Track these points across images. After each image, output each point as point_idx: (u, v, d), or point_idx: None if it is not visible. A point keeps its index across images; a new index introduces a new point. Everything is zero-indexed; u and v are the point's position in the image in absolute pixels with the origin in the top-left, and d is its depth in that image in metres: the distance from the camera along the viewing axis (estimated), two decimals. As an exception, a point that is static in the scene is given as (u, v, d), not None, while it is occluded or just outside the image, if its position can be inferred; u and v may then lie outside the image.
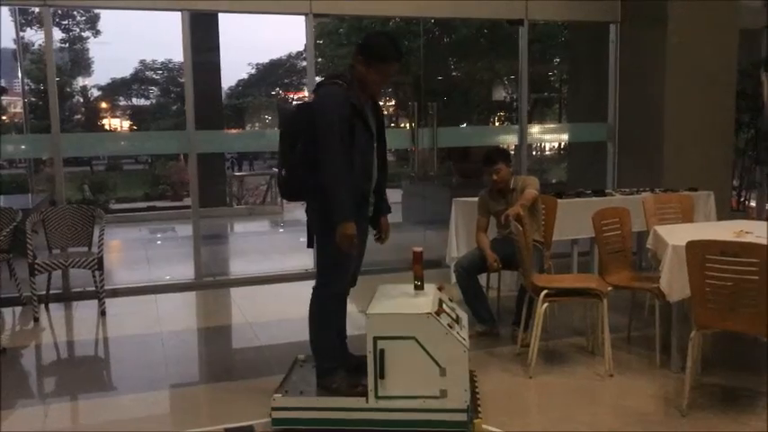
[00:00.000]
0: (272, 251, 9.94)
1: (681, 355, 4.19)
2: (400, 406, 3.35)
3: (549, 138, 10.32)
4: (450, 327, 3.35)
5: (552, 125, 15.57)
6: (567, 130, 8.34)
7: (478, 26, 19.78)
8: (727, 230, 4.37)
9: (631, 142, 7.70)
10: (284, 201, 15.58)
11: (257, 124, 29.00)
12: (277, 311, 6.01)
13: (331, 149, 3.39)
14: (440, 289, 3.80)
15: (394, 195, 14.19)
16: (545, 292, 4.34)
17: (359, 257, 3.85)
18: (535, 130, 8.37)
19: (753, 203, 8.47)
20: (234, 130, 22.60)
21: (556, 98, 24.73)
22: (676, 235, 4.29)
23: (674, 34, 7.01)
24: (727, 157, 7.47)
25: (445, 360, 3.29)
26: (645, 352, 4.60)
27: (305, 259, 8.27)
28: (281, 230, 13.41)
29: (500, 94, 24.91)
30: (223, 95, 21.20)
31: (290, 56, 33.12)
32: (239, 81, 32.27)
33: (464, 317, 3.76)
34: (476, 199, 6.43)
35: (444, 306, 3.54)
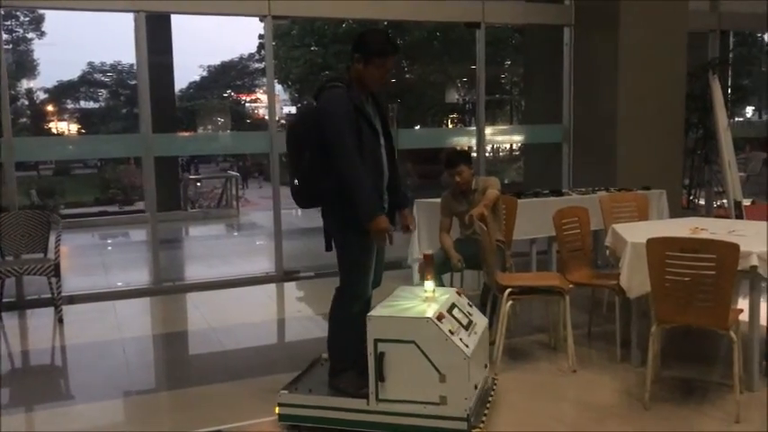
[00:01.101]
0: (231, 255, 9.85)
1: (641, 350, 4.31)
2: (400, 410, 3.33)
3: (505, 139, 10.47)
4: (452, 333, 3.29)
5: (509, 126, 15.86)
6: (523, 132, 8.49)
7: (432, 29, 19.94)
8: (682, 227, 4.51)
9: (586, 143, 7.88)
10: (240, 204, 15.52)
11: (210, 127, 28.67)
12: (240, 316, 5.97)
13: (345, 152, 3.39)
14: (459, 294, 3.79)
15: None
16: (509, 290, 4.41)
17: (381, 256, 3.85)
18: (492, 131, 8.48)
19: (702, 201, 8.73)
20: (186, 133, 22.33)
21: (507, 100, 25.11)
22: (634, 233, 4.40)
23: (625, 37, 7.19)
24: (677, 157, 7.70)
25: (445, 366, 3.24)
26: (606, 347, 4.70)
27: (264, 263, 8.24)
28: (237, 234, 13.29)
29: (453, 96, 25.17)
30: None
31: (242, 58, 32.93)
32: (191, 83, 31.91)
33: (481, 323, 3.72)
34: (438, 200, 6.49)
35: (455, 311, 3.51)
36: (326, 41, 22.62)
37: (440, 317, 3.30)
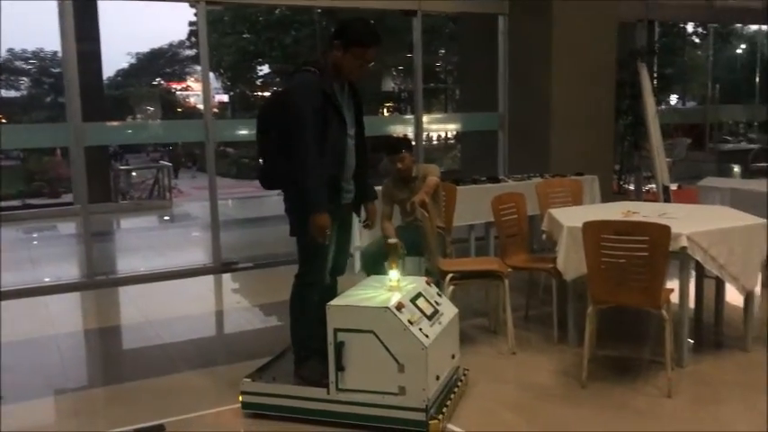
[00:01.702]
0: (166, 247, 9.64)
1: (577, 331, 4.44)
2: (359, 400, 3.32)
3: (442, 127, 10.56)
4: (412, 323, 3.26)
5: (446, 115, 15.97)
6: (459, 120, 8.58)
7: (365, 17, 19.90)
8: (615, 211, 4.65)
9: (521, 130, 8.02)
10: (173, 195, 15.19)
11: (140, 116, 27.88)
12: (178, 308, 5.86)
13: (302, 140, 3.35)
14: (428, 283, 3.78)
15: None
16: (450, 275, 4.47)
17: (344, 245, 3.84)
18: (430, 119, 8.55)
19: (631, 186, 9.01)
20: (116, 122, 21.64)
21: (442, 89, 25.31)
22: (569, 217, 4.52)
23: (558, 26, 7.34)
24: (608, 143, 7.93)
25: (404, 356, 3.22)
26: (543, 329, 4.82)
27: (199, 254, 8.10)
28: (171, 225, 13.01)
29: (389, 85, 25.21)
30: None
31: (171, 45, 32.11)
32: (119, 71, 30.94)
33: (449, 313, 3.69)
34: (378, 188, 6.52)
35: (420, 301, 3.50)
36: (259, 28, 22.31)
37: (399, 306, 3.27)
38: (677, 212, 4.55)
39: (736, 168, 13.15)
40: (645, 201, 7.45)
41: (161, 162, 17.78)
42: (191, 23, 25.66)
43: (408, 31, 7.84)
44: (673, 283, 4.16)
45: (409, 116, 8.39)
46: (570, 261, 4.25)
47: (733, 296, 4.84)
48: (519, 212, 4.98)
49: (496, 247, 6.46)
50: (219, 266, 7.07)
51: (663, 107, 10.49)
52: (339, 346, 3.29)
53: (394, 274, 3.64)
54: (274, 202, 15.70)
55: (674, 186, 8.12)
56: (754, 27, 17.61)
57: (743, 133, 17.91)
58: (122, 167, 17.13)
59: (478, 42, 8.95)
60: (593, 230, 3.74)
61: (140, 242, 10.55)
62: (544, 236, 4.99)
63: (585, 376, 3.87)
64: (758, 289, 4.43)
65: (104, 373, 4.55)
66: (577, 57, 7.49)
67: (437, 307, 3.61)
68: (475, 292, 5.44)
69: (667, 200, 7.50)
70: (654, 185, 8.14)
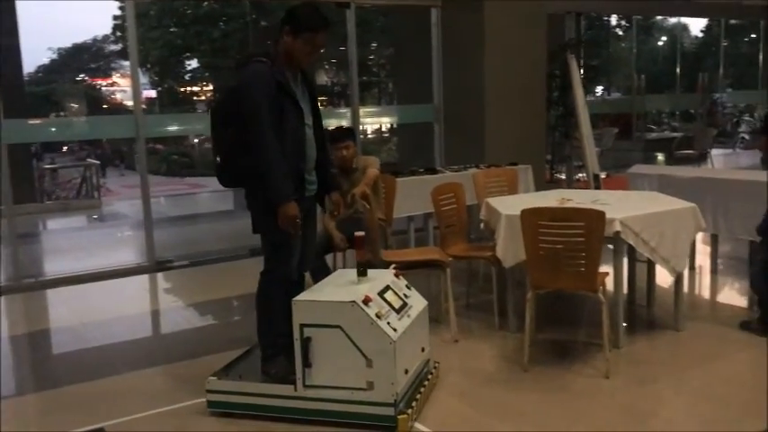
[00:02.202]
0: (98, 247, 9.33)
1: (517, 317, 4.53)
2: (327, 396, 3.27)
3: (378, 120, 10.57)
4: (379, 317, 3.20)
5: (382, 108, 16.00)
6: (395, 113, 8.62)
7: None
8: (550, 199, 4.76)
9: (456, 122, 8.11)
10: (101, 194, 14.75)
11: (63, 112, 26.90)
12: (113, 309, 5.70)
13: (260, 132, 3.27)
14: (396, 276, 3.72)
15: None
16: (393, 266, 4.47)
17: (310, 239, 3.76)
18: (366, 112, 8.54)
19: (563, 176, 9.23)
20: (38, 119, 20.80)
21: (375, 82, 25.34)
22: (507, 206, 4.60)
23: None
24: (540, 133, 8.10)
25: (371, 351, 3.17)
26: (484, 316, 4.90)
27: (133, 254, 7.90)
28: (102, 225, 12.62)
29: (321, 78, 25.08)
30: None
31: (95, 40, 31.09)
32: (39, 67, 29.80)
33: (418, 306, 3.64)
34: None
35: (388, 294, 3.44)
36: (187, 22, 21.83)
37: (366, 300, 3.22)
38: (609, 199, 4.69)
39: (660, 156, 13.64)
40: (576, 189, 7.64)
41: (88, 160, 17.23)
42: (115, 17, 24.95)
43: (341, 23, 7.81)
44: (607, 267, 4.28)
45: (344, 109, 8.37)
46: (509, 249, 4.32)
47: (662, 278, 5.04)
48: (458, 202, 5.04)
49: (436, 238, 6.54)
50: (154, 265, 6.91)
51: (591, 98, 10.76)
52: (306, 342, 3.23)
53: (362, 267, 3.56)
54: (205, 199, 15.40)
55: (603, 175, 8.36)
56: (672, 20, 18.29)
57: (666, 122, 18.61)
58: (47, 166, 16.49)
59: (412, 35, 8.99)
60: (531, 218, 3.82)
61: (70, 243, 10.19)
62: (482, 225, 5.06)
63: (527, 360, 3.95)
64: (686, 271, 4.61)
65: (33, 378, 4.38)
66: (509, 49, 7.61)
67: (406, 300, 3.56)
68: (416, 283, 5.46)
69: (598, 187, 7.72)
70: (584, 174, 8.37)
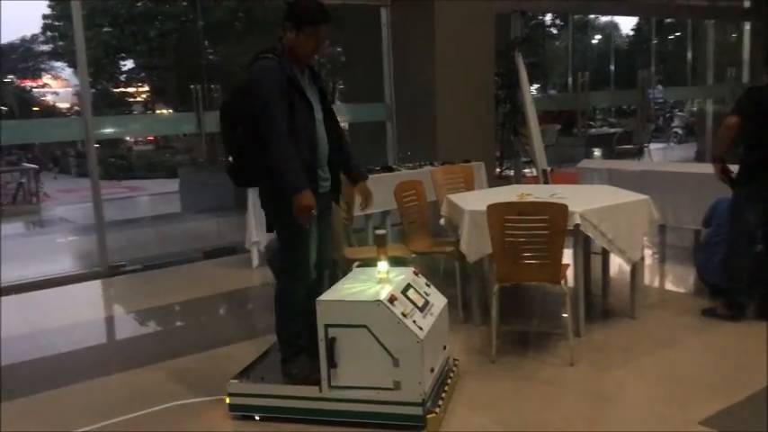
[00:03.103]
0: (44, 253, 9.07)
1: (480, 310, 4.64)
2: (353, 396, 3.23)
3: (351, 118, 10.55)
4: (406, 315, 3.18)
5: (333, 107, 15.88)
6: (346, 111, 8.63)
7: (233, 9, 19.54)
8: (510, 194, 4.87)
9: (408, 120, 8.19)
10: (39, 200, 14.29)
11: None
12: (65, 316, 5.55)
13: (272, 125, 3.24)
14: (416, 274, 3.69)
15: (171, 185, 13.64)
16: (357, 263, 4.52)
17: (328, 237, 3.72)
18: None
19: (511, 172, 9.42)
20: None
21: (324, 81, 25.25)
22: (468, 202, 4.70)
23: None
24: (490, 131, 8.26)
25: (398, 350, 3.13)
26: (448, 311, 4.97)
27: (84, 259, 7.71)
28: (44, 230, 12.25)
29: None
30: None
31: (23, 40, 30.00)
32: (-41, 67, 28.56)
33: (439, 303, 3.61)
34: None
35: (410, 292, 3.42)
36: (122, 22, 21.32)
37: (392, 299, 3.19)
38: (566, 193, 4.84)
39: (597, 152, 14.04)
40: (527, 184, 7.82)
41: (24, 164, 16.66)
42: (44, 17, 24.13)
43: (278, 23, 7.77)
44: (566, 259, 4.41)
45: None
46: (472, 243, 4.41)
47: (614, 269, 5.23)
48: (419, 199, 5.12)
49: (395, 235, 6.61)
50: (107, 270, 6.76)
51: (536, 95, 11.02)
52: (331, 342, 3.20)
53: (383, 266, 3.50)
54: (147, 202, 14.94)
55: (549, 170, 8.56)
56: (605, 19, 18.83)
57: (603, 118, 19.17)
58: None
59: (362, 34, 9.03)
60: (497, 212, 3.92)
61: (13, 250, 9.85)
62: (442, 221, 5.14)
63: (495, 352, 4.05)
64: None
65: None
66: (459, 47, 7.74)
67: (427, 298, 3.54)
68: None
69: (547, 182, 7.91)
70: (531, 170, 8.57)
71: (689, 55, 14.87)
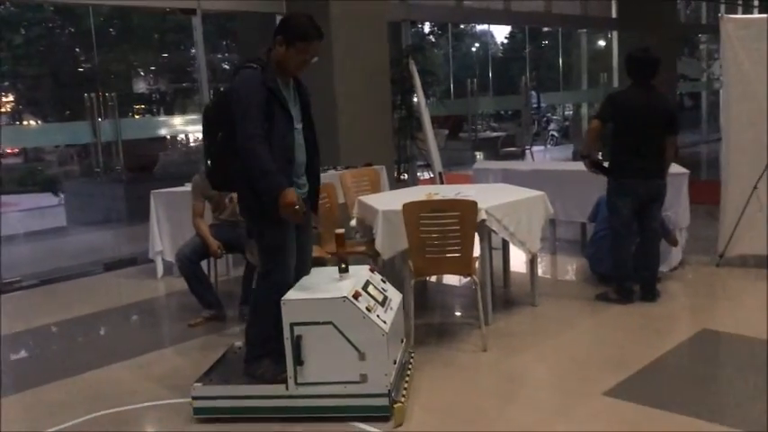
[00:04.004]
0: None
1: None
2: (320, 392, 3.30)
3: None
4: (370, 310, 3.30)
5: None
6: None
7: (107, 15, 18.94)
8: (418, 194, 5.11)
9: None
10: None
11: None
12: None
13: (248, 133, 3.26)
14: (372, 271, 3.77)
15: (49, 199, 13.02)
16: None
17: (307, 243, 3.73)
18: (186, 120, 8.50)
19: (405, 175, 9.72)
20: None
21: (196, 88, 24.80)
22: (380, 203, 4.90)
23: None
24: (387, 135, 8.52)
25: (364, 344, 3.25)
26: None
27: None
28: None
29: (141, 85, 24.11)
30: None
31: None
32: None
33: (396, 298, 3.74)
34: (175, 190, 6.44)
35: (370, 288, 3.53)
36: (-19, 28, 20.09)
37: (356, 295, 3.31)
38: (470, 191, 5.13)
39: (479, 155, 14.64)
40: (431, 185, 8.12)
41: None
42: None
43: (155, 29, 7.73)
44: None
45: (158, 117, 8.28)
46: (386, 242, 4.61)
47: (512, 262, 5.61)
48: (331, 202, 5.27)
49: (316, 236, 6.71)
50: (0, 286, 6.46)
51: (430, 101, 11.42)
52: (297, 340, 3.26)
53: (343, 265, 3.62)
54: (22, 217, 14.17)
55: (442, 172, 8.94)
56: (480, 27, 19.60)
57: (485, 123, 20.00)
58: None
59: (258, 41, 9.06)
60: (412, 210, 4.14)
61: None
62: (353, 222, 5.32)
63: (413, 343, 4.27)
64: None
65: None
66: (355, 55, 7.94)
67: (385, 293, 3.67)
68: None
69: (442, 183, 8.26)
70: (423, 174, 8.90)
71: (560, 62, 15.81)
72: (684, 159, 5.69)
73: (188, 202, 5.44)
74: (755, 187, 5.52)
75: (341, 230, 3.69)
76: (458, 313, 5.10)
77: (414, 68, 8.31)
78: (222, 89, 3.65)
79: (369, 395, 3.30)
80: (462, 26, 19.58)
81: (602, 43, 15.46)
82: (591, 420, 3.37)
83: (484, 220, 4.49)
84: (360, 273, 3.68)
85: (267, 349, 3.57)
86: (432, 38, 22.66)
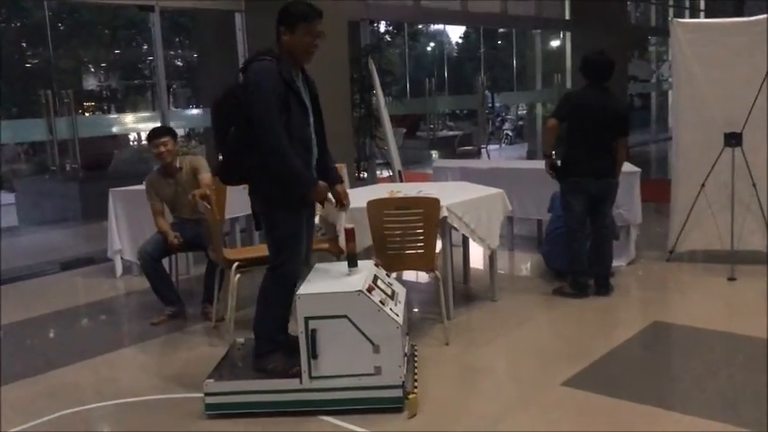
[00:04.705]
0: None
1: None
2: (334, 385, 3.33)
3: (187, 124, 10.37)
4: (383, 303, 3.36)
5: (191, 111, 15.45)
6: (201, 116, 8.59)
7: (55, 10, 18.55)
8: (381, 192, 5.17)
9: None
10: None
11: None
12: None
13: (270, 125, 3.26)
14: (377, 265, 3.79)
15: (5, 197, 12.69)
16: (237, 263, 4.63)
17: (310, 234, 3.73)
18: (178, 116, 8.46)
19: (365, 174, 9.79)
20: None
21: (149, 85, 24.42)
22: (343, 200, 4.94)
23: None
24: (348, 134, 8.57)
25: (378, 337, 3.29)
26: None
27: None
28: None
29: (91, 82, 23.63)
30: None
31: None
32: None
33: (402, 292, 3.78)
34: (134, 188, 6.39)
35: (379, 282, 3.57)
36: None
37: (370, 289, 3.35)
38: (430, 189, 5.23)
39: (434, 154, 14.81)
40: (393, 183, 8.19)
41: None
42: None
43: (106, 25, 7.67)
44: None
45: (152, 113, 8.22)
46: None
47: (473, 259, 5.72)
48: (293, 199, 5.29)
49: (261, 237, 6.72)
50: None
51: (390, 100, 11.52)
52: (312, 334, 3.28)
53: (353, 259, 3.66)
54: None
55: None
56: (435, 27, 19.79)
57: (441, 122, 20.19)
58: None
59: (217, 38, 9.02)
60: (376, 208, 4.22)
61: None
62: (316, 219, 5.34)
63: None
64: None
65: None
66: (315, 54, 7.94)
67: (392, 287, 3.72)
68: (256, 280, 5.56)
69: (401, 182, 8.35)
70: (382, 172, 8.99)
71: (514, 62, 16.07)
72: (634, 158, 5.89)
73: (146, 201, 5.41)
74: (703, 185, 5.74)
75: (350, 226, 3.71)
76: (420, 308, 5.18)
77: (373, 67, 8.38)
78: (232, 82, 3.61)
79: (383, 387, 3.36)
80: (419, 26, 19.71)
81: (555, 44, 15.75)
82: (550, 409, 3.50)
83: (445, 218, 4.59)
84: (368, 267, 3.71)
85: (277, 343, 3.58)
86: (387, 37, 22.78)
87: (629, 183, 5.79)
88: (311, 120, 3.61)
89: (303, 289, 3.41)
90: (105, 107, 23.35)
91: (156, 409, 3.67)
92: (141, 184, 6.12)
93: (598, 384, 3.72)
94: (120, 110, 17.31)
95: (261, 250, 5.20)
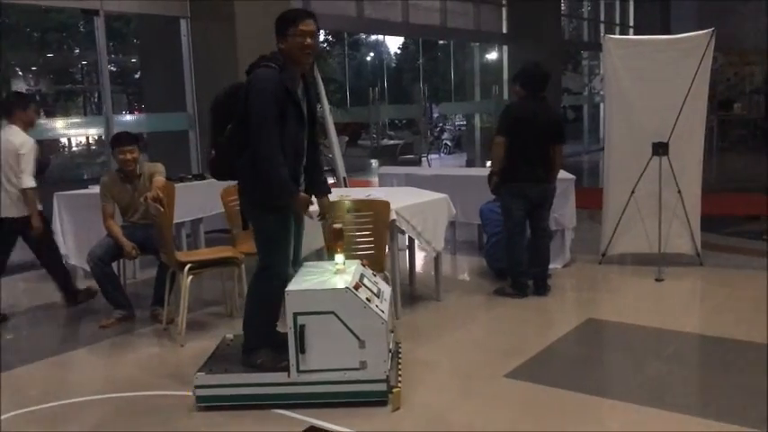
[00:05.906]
0: None
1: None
2: (321, 379, 3.45)
3: (129, 128, 10.24)
4: (369, 300, 3.48)
5: (134, 116, 15.16)
6: (147, 121, 8.57)
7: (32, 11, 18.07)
8: (331, 196, 5.30)
9: (213, 129, 8.33)
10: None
11: None
12: None
13: (265, 130, 3.33)
14: (363, 265, 3.88)
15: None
16: (189, 265, 4.70)
17: (300, 236, 3.79)
18: (126, 120, 8.39)
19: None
20: None
21: (80, 90, 23.87)
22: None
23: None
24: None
25: (364, 333, 3.42)
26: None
27: None
28: None
29: (20, 86, 22.97)
30: None
31: None
32: None
33: (387, 290, 3.90)
34: (79, 192, 6.37)
35: (365, 280, 3.69)
36: None
37: (356, 286, 3.48)
38: (378, 193, 5.43)
39: (374, 162, 15.03)
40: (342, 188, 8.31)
41: None
42: None
43: (36, 28, 7.62)
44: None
45: (100, 117, 8.13)
46: (305, 239, 4.79)
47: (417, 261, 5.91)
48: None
49: (208, 242, 6.78)
50: None
51: (335, 108, 11.67)
52: (301, 329, 3.39)
53: (339, 258, 3.76)
54: None
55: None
56: (374, 37, 20.02)
57: (382, 131, 20.45)
58: None
59: (161, 43, 9.00)
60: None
61: None
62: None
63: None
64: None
65: None
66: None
67: (377, 285, 3.85)
68: (210, 281, 5.62)
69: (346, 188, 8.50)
70: (331, 178, 9.07)
71: (452, 73, 16.45)
72: (568, 168, 6.20)
73: (93, 205, 5.43)
74: (633, 192, 6.10)
75: (339, 225, 3.86)
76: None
77: (318, 75, 8.51)
78: (233, 84, 3.68)
79: (367, 381, 3.49)
80: (359, 35, 19.96)
81: (493, 57, 16.20)
82: (494, 398, 3.72)
83: (394, 220, 4.78)
84: (354, 266, 3.84)
85: (266, 340, 3.68)
86: (326, 46, 22.92)
87: (565, 189, 6.09)
88: (306, 129, 3.69)
89: (292, 286, 3.53)
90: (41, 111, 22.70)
91: (107, 408, 3.73)
92: (86, 188, 6.12)
93: (538, 376, 3.96)
94: (50, 115, 16.87)
95: (215, 252, 5.31)
